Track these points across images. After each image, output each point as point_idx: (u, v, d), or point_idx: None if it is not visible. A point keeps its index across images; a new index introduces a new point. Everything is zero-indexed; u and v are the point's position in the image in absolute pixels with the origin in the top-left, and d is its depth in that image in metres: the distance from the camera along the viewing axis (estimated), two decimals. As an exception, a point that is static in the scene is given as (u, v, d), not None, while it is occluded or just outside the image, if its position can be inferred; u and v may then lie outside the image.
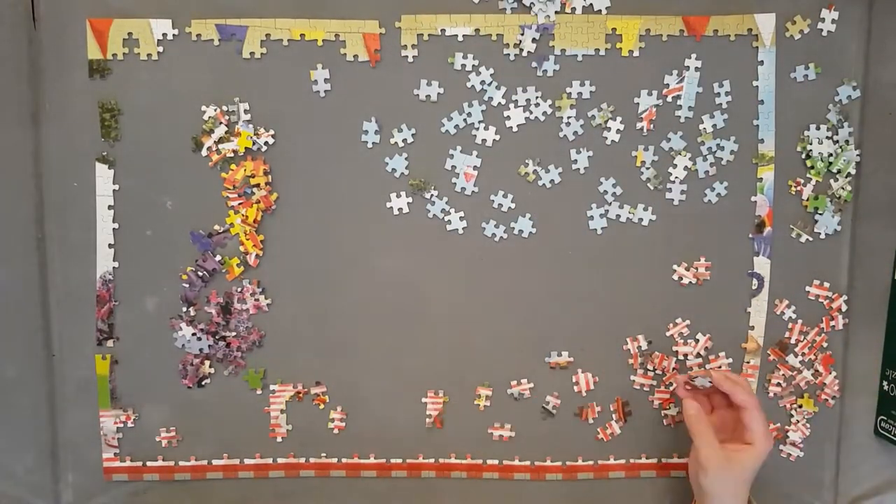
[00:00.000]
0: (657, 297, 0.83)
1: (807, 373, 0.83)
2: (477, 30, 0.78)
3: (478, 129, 0.80)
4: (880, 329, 0.83)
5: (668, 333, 0.83)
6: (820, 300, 0.83)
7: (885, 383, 0.82)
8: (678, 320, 0.83)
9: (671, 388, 0.83)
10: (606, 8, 0.78)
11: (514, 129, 0.80)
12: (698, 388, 0.75)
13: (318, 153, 0.80)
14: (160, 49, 0.78)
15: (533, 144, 0.80)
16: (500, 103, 0.80)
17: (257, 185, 0.80)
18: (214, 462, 0.84)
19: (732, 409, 0.74)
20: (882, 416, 0.83)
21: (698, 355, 0.83)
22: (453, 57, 0.79)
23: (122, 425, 0.83)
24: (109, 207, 0.80)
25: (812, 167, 0.80)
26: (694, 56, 0.79)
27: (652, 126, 0.80)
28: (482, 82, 0.79)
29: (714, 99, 0.80)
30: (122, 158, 0.80)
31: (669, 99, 0.80)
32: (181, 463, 0.84)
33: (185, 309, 0.81)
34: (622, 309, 0.83)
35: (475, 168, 0.80)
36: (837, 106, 0.80)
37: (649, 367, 0.83)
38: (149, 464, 0.84)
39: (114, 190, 0.80)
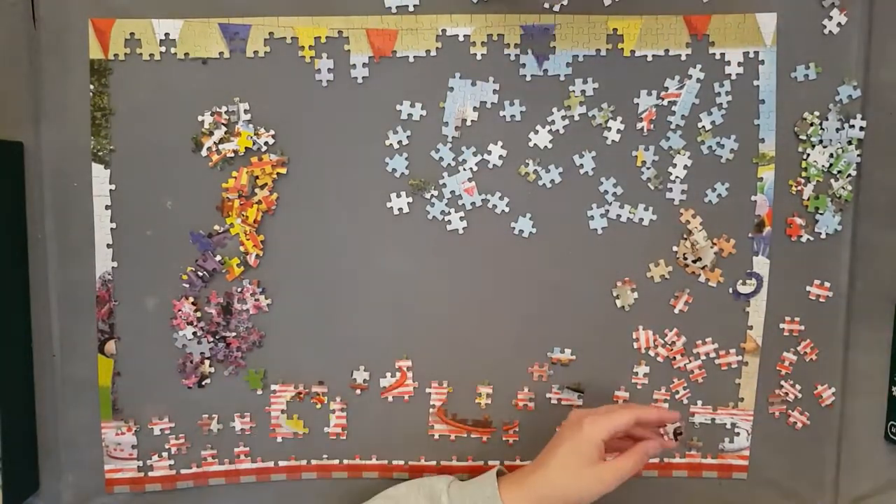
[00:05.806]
0: (658, 297, 0.83)
1: (807, 373, 0.83)
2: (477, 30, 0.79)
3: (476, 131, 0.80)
4: (880, 329, 0.83)
5: (668, 333, 0.83)
6: (820, 300, 0.83)
7: (894, 388, 0.82)
8: (679, 318, 0.83)
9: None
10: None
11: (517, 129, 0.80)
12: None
13: (318, 152, 0.80)
14: (162, 49, 0.78)
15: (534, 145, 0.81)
16: (497, 103, 0.80)
17: (261, 186, 0.80)
18: (216, 468, 0.84)
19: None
20: (892, 422, 0.82)
21: (699, 356, 0.84)
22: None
23: (123, 437, 0.83)
24: (107, 207, 0.80)
25: (812, 167, 0.80)
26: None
27: (652, 126, 0.80)
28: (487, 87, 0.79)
29: (714, 98, 0.80)
30: (122, 158, 0.80)
31: (670, 99, 0.80)
32: (182, 471, 0.84)
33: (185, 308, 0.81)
34: (623, 308, 0.83)
35: (470, 180, 0.81)
36: (838, 106, 0.80)
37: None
38: (150, 474, 0.83)
39: (111, 190, 0.80)
